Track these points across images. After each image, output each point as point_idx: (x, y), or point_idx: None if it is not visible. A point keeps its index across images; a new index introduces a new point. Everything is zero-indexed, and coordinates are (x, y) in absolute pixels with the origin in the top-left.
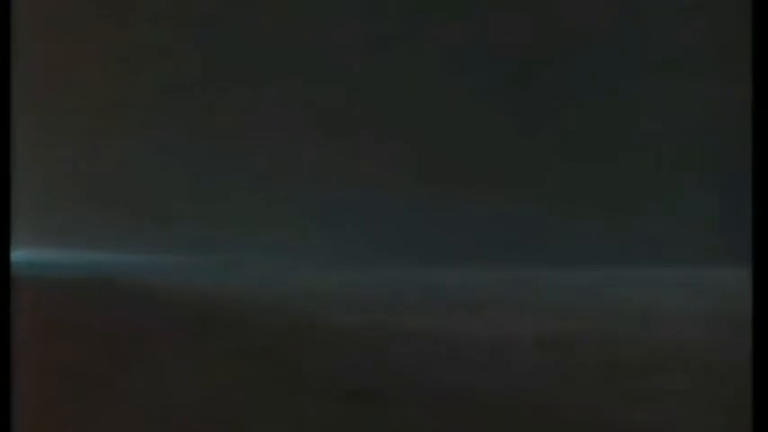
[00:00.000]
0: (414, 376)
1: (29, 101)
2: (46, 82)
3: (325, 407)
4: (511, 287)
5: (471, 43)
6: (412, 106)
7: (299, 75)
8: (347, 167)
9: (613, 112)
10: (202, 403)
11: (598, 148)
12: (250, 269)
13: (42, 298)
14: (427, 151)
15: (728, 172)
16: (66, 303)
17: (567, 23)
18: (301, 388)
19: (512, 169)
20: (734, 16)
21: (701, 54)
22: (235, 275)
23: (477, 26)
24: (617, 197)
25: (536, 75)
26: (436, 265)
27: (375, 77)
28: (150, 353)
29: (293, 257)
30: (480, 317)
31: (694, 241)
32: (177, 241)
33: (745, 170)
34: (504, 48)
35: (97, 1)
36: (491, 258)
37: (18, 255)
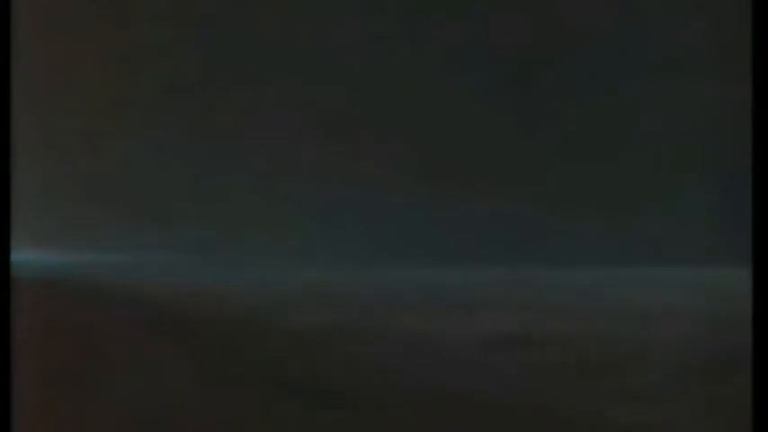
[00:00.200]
0: (383, 377)
1: (29, 101)
2: (46, 82)
3: (273, 407)
4: (511, 287)
5: (471, 43)
6: (412, 106)
7: (299, 75)
8: (347, 167)
9: (613, 112)
10: (143, 405)
11: (598, 148)
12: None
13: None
14: (427, 151)
15: (728, 172)
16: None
17: (567, 23)
18: (251, 388)
19: (512, 169)
20: (734, 16)
21: (701, 54)
22: (215, 275)
23: (477, 26)
24: (617, 197)
25: (536, 75)
26: (436, 265)
27: (375, 77)
28: (94, 349)
29: (293, 257)
30: (473, 317)
31: (694, 241)
32: (177, 241)
33: (745, 170)
34: (504, 48)
35: (97, 1)
36: (491, 258)
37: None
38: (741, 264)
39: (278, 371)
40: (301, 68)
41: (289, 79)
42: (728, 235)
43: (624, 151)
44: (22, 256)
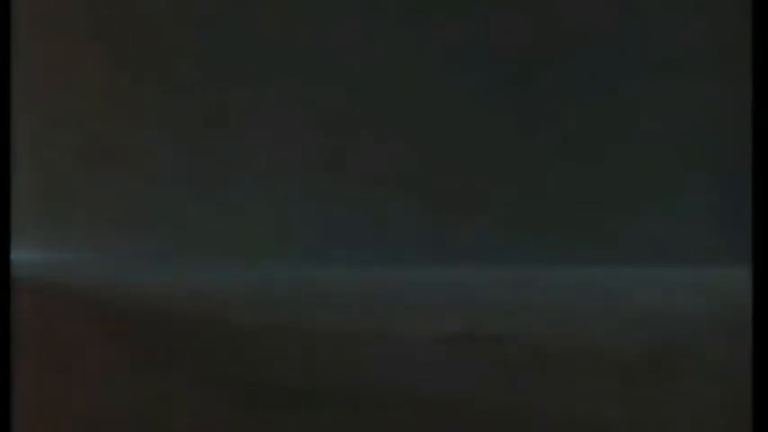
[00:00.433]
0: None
1: (29, 101)
2: (46, 82)
3: (217, 408)
4: (510, 287)
5: (471, 43)
6: (412, 106)
7: (299, 75)
8: (347, 167)
9: (613, 112)
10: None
11: (598, 148)
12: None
13: None
14: (427, 151)
15: (728, 172)
16: None
17: (567, 23)
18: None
19: (512, 169)
20: (734, 16)
21: (701, 54)
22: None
23: (477, 26)
24: (617, 197)
25: (536, 75)
26: (436, 265)
27: (375, 77)
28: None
29: (293, 257)
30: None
31: (694, 241)
32: (177, 241)
33: (745, 170)
34: (504, 48)
35: (97, 1)
36: (491, 258)
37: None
38: (741, 264)
39: (228, 369)
40: (301, 68)
41: (289, 79)
42: (728, 235)
43: (624, 151)
44: (20, 255)
